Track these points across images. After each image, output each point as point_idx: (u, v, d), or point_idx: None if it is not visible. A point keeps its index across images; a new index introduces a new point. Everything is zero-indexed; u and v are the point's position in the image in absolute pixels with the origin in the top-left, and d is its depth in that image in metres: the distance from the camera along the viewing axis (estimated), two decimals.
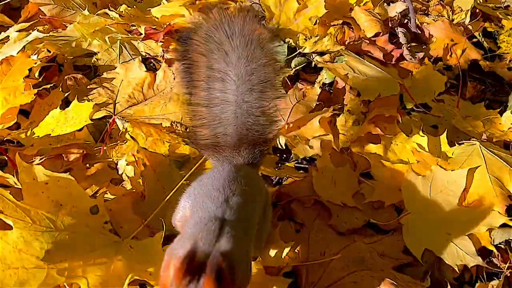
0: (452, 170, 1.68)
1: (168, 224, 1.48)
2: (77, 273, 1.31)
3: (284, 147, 1.87)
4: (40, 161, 1.69)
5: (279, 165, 1.83)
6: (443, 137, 1.78)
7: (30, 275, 1.27)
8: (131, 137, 1.74)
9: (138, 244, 1.43)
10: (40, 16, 2.33)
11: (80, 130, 1.79)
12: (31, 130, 1.81)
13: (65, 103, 1.88)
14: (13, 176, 1.60)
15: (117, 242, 1.42)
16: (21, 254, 1.29)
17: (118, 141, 1.80)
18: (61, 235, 1.37)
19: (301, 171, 1.81)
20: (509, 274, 1.49)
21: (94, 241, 1.39)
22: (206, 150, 1.48)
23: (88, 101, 1.88)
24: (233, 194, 1.22)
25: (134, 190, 1.60)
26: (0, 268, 1.25)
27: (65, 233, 1.38)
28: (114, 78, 2.02)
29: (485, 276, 1.51)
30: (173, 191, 1.56)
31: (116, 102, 1.91)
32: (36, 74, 1.98)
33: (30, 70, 1.93)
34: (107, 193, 1.59)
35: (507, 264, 1.51)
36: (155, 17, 2.35)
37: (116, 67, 2.07)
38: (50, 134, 1.79)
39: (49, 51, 2.10)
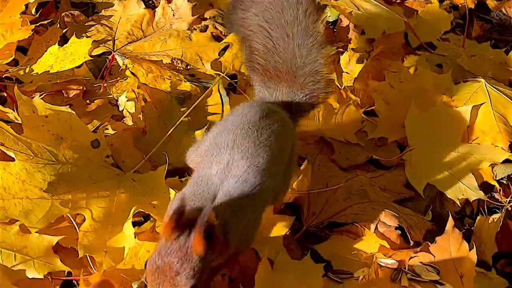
0: (456, 107, 1.66)
1: (170, 159, 1.48)
2: (81, 204, 1.33)
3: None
4: (40, 97, 1.66)
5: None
6: (448, 75, 1.76)
7: (34, 205, 1.28)
8: (132, 73, 1.71)
9: (140, 178, 1.44)
10: None
11: (79, 66, 1.76)
12: (30, 67, 1.79)
13: (63, 40, 1.85)
14: (13, 111, 1.58)
15: (119, 176, 1.42)
16: (25, 185, 1.30)
17: (118, 78, 1.77)
18: (63, 168, 1.37)
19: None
20: (510, 208, 1.50)
21: (96, 174, 1.40)
22: (256, 73, 1.43)
23: (87, 37, 1.84)
24: (261, 134, 1.18)
25: (135, 126, 1.59)
26: (5, 198, 1.26)
27: (67, 166, 1.38)
28: (112, 15, 1.97)
29: (486, 210, 1.52)
30: (174, 127, 1.56)
31: (115, 39, 1.87)
32: (33, 11, 1.93)
33: (26, 6, 1.89)
34: (108, 129, 1.57)
35: (509, 198, 1.52)
36: None
37: (114, 4, 2.01)
38: (49, 71, 1.76)
39: None
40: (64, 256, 1.27)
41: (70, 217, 1.32)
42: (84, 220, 1.33)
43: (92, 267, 1.26)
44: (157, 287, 0.98)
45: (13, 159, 1.33)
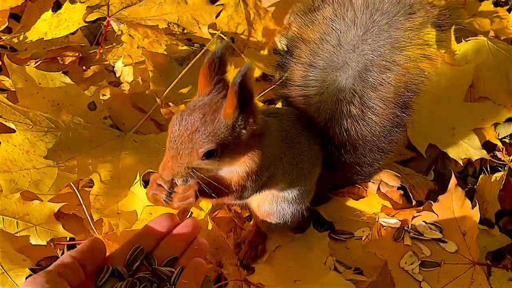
0: (458, 66, 1.63)
1: None
2: (88, 169, 1.32)
3: (285, 49, 1.81)
4: (35, 65, 1.64)
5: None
6: (450, 34, 1.72)
7: (42, 174, 1.27)
8: (129, 35, 1.68)
9: (142, 139, 1.43)
10: None
11: (74, 33, 1.73)
12: (24, 35, 1.75)
13: (57, 7, 1.81)
14: (9, 78, 1.55)
15: (120, 137, 1.41)
16: (29, 155, 1.29)
17: (114, 44, 1.74)
18: (63, 134, 1.36)
19: None
20: None
21: (97, 137, 1.39)
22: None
23: (81, 3, 1.79)
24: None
25: (133, 90, 1.57)
26: (13, 170, 1.25)
27: (68, 132, 1.37)
28: None
29: (488, 169, 1.51)
30: (175, 81, 1.53)
31: (110, 4, 1.82)
32: None
33: None
34: (105, 95, 1.56)
35: (511, 157, 1.51)
36: None
37: None
38: (43, 38, 1.72)
39: None
40: (66, 222, 1.27)
41: (71, 184, 1.31)
42: (84, 186, 1.33)
43: (95, 231, 1.26)
44: (174, 140, 0.93)
45: (13, 131, 1.31)
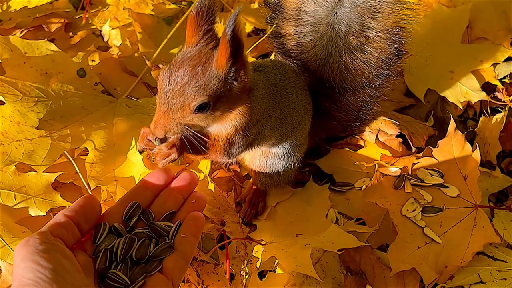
0: (454, 7, 1.59)
1: None
2: (81, 137, 1.30)
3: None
4: (21, 34, 1.60)
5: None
6: None
7: (35, 145, 1.25)
8: None
9: (135, 103, 1.40)
10: None
11: None
12: (7, 4, 1.71)
13: None
14: None
15: (112, 103, 1.39)
16: (21, 126, 1.27)
17: (100, 7, 1.70)
18: (54, 103, 1.33)
19: None
20: None
21: (89, 104, 1.37)
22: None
23: None
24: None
25: (122, 54, 1.54)
26: (5, 142, 1.24)
27: (59, 100, 1.34)
28: None
29: (489, 111, 1.48)
30: (164, 42, 1.50)
31: None
32: None
33: None
34: (94, 61, 1.52)
35: (511, 97, 1.48)
36: None
37: None
38: (27, 6, 1.68)
39: None
40: (64, 192, 1.26)
41: (66, 153, 1.30)
42: (80, 154, 1.32)
43: None
44: (164, 96, 0.90)
45: (3, 103, 1.29)
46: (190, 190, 1.02)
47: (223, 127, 1.01)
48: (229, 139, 1.02)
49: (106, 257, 0.89)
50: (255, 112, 1.02)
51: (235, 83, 0.93)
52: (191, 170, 1.29)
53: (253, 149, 1.13)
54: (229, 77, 0.91)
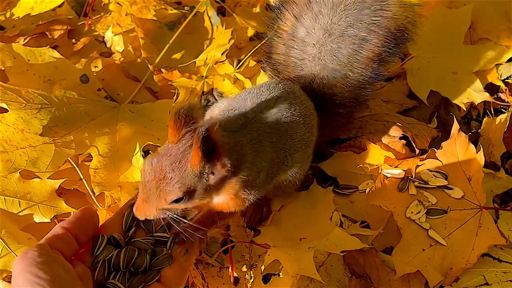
0: (456, 8, 1.58)
1: None
2: (85, 144, 1.31)
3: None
4: (25, 41, 1.61)
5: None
6: None
7: (39, 152, 1.26)
8: (117, 3, 1.64)
9: (138, 108, 1.41)
10: None
11: (60, 6, 1.71)
12: (10, 11, 1.72)
13: None
14: None
15: (115, 108, 1.39)
16: (24, 133, 1.27)
17: (102, 13, 1.71)
18: (58, 109, 1.34)
19: None
20: None
21: (92, 110, 1.37)
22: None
23: None
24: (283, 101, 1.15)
25: (125, 59, 1.54)
26: (9, 150, 1.24)
27: (62, 107, 1.34)
28: None
29: (492, 112, 1.48)
30: (166, 47, 1.51)
31: None
32: None
33: None
34: (97, 67, 1.53)
35: None
36: None
37: None
38: (30, 14, 1.70)
39: None
40: (68, 198, 1.27)
41: (70, 160, 1.31)
42: (84, 160, 1.32)
43: (98, 204, 1.25)
44: (144, 185, 0.95)
45: (6, 111, 1.29)
46: None
47: (223, 198, 1.05)
48: (238, 202, 1.07)
49: (104, 267, 0.90)
50: (251, 173, 1.04)
51: (211, 176, 0.96)
52: None
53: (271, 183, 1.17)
54: (204, 173, 0.95)
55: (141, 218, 0.97)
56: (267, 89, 1.17)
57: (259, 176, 1.08)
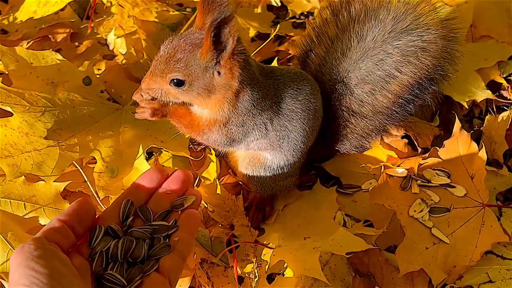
0: (457, 6, 1.58)
1: None
2: (89, 147, 1.31)
3: (279, 4, 1.78)
4: (28, 45, 1.62)
5: (275, 23, 1.75)
6: None
7: (44, 156, 1.26)
8: (119, 5, 1.65)
9: None
10: None
11: (63, 9, 1.72)
12: (13, 15, 1.73)
13: None
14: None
15: (118, 110, 1.40)
16: (29, 137, 1.28)
17: (105, 16, 1.72)
18: (61, 112, 1.34)
19: (299, 29, 1.73)
20: None
21: (95, 113, 1.38)
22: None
23: None
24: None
25: (127, 61, 1.55)
26: (14, 154, 1.24)
27: (66, 109, 1.35)
28: None
29: (495, 109, 1.48)
30: None
31: None
32: None
33: None
34: (100, 69, 1.54)
35: None
36: None
37: None
38: (33, 17, 1.69)
39: None
40: (73, 200, 1.25)
41: (74, 162, 1.31)
42: (88, 163, 1.33)
43: (102, 206, 1.26)
44: (157, 57, 0.99)
45: (11, 114, 1.30)
46: (185, 187, 1.03)
47: (205, 112, 1.07)
48: (208, 126, 1.08)
49: (102, 259, 0.89)
50: (239, 113, 1.05)
51: (216, 75, 0.98)
52: (202, 174, 1.31)
53: (240, 149, 1.18)
54: (209, 67, 0.97)
55: (143, 87, 1.04)
56: (301, 73, 1.19)
57: (243, 125, 1.08)
